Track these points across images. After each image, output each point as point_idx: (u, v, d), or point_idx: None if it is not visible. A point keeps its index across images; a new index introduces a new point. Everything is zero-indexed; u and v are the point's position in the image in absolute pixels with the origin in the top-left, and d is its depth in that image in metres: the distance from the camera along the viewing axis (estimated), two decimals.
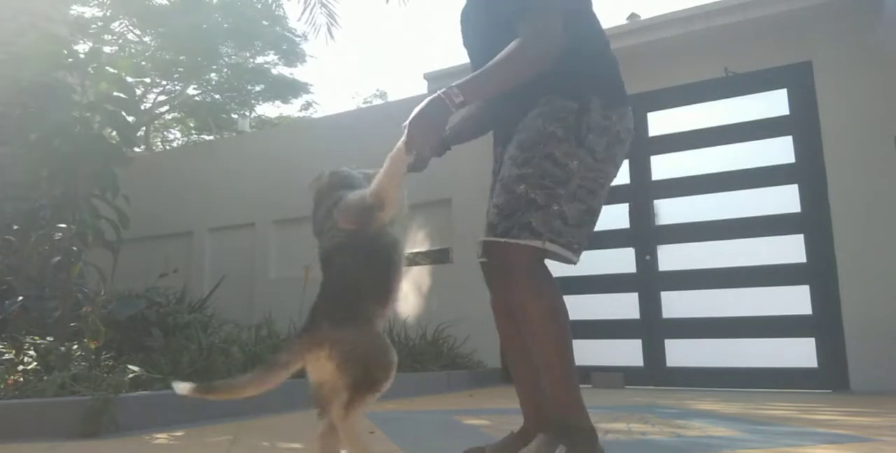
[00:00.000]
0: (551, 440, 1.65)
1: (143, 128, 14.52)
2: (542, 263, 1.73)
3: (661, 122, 5.31)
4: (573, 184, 1.71)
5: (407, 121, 1.63)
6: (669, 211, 5.16)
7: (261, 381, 1.47)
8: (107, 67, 3.37)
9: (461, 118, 2.02)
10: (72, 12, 9.20)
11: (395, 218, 1.65)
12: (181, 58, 11.68)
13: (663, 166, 5.23)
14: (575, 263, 1.79)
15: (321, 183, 1.74)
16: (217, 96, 14.46)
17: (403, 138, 1.62)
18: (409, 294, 5.99)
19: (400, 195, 1.62)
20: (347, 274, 1.59)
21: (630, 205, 5.27)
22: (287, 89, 14.91)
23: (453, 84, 1.63)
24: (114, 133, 3.50)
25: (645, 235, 5.19)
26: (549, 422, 1.71)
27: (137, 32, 10.36)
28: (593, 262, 5.34)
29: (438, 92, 1.63)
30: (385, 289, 1.61)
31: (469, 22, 2.01)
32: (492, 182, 1.90)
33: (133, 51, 10.94)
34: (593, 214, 1.79)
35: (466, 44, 2.04)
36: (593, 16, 1.90)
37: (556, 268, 1.76)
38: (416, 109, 1.63)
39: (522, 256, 1.68)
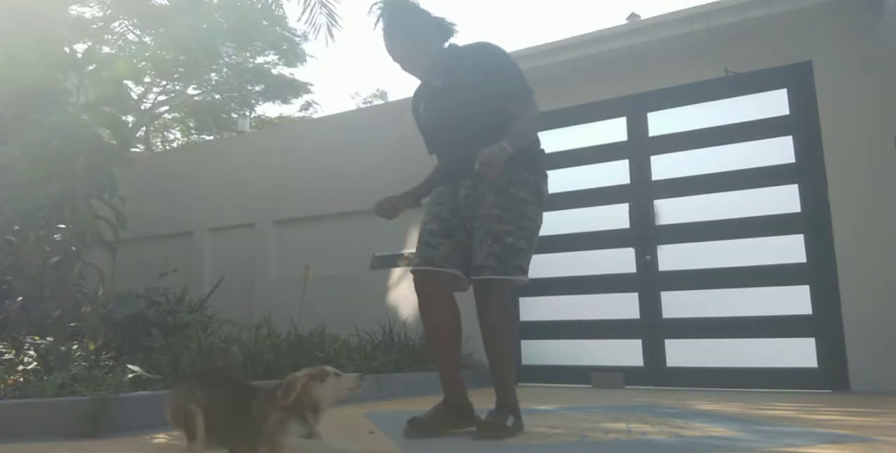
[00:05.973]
0: (505, 412, 2.39)
1: (143, 129, 14.51)
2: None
3: (661, 122, 5.30)
4: (538, 234, 2.47)
5: (485, 159, 2.19)
6: (669, 211, 5.16)
7: None
8: (98, 70, 3.37)
9: (426, 180, 2.73)
10: (72, 12, 9.19)
11: None
12: (181, 58, 11.65)
13: (663, 166, 5.23)
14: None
15: None
16: (217, 96, 14.45)
17: (478, 166, 2.19)
18: (410, 295, 5.98)
19: None
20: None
21: (630, 205, 5.27)
22: (287, 89, 14.92)
23: (505, 143, 2.25)
24: (109, 133, 3.49)
25: (645, 235, 5.19)
26: (502, 400, 2.45)
27: (137, 32, 10.32)
28: (593, 262, 5.35)
29: (500, 143, 2.25)
30: None
31: (440, 97, 2.57)
32: (438, 210, 2.54)
33: (133, 51, 10.91)
34: None
35: (428, 116, 2.63)
36: None
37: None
38: (489, 153, 2.19)
39: (509, 287, 2.44)
